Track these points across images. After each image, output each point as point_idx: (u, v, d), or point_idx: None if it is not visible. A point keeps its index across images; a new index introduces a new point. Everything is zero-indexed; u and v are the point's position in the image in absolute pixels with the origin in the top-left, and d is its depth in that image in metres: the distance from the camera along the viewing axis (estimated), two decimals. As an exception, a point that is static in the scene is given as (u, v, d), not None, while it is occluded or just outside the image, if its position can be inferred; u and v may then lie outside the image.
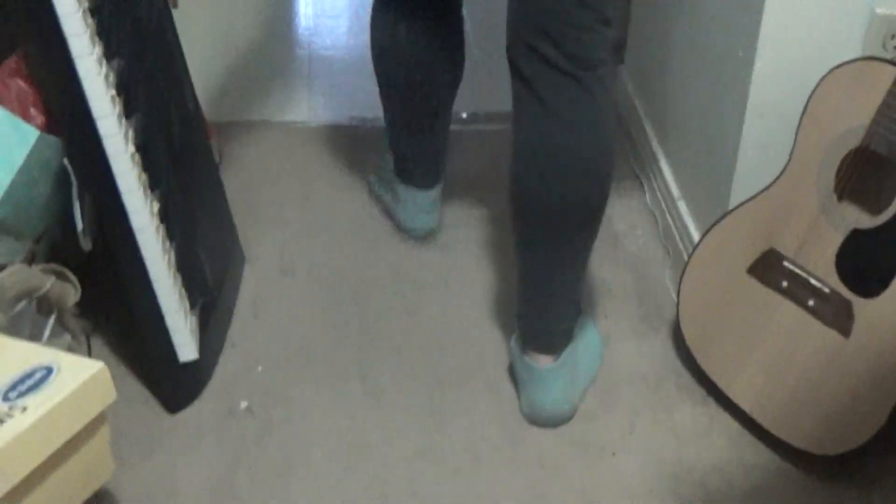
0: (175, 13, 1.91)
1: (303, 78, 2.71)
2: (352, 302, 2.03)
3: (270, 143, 2.46)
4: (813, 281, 1.61)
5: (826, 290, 1.59)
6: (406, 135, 2.09)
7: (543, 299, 1.73)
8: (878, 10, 1.63)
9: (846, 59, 1.58)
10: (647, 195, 2.27)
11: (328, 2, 3.11)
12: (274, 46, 2.83)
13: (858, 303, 1.55)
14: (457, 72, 2.00)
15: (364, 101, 2.52)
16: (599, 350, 1.90)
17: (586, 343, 1.86)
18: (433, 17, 1.90)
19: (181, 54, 1.92)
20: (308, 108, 2.59)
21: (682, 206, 2.07)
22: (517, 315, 1.77)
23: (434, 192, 2.15)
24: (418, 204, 2.15)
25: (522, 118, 1.59)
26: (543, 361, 1.75)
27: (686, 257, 1.89)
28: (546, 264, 1.68)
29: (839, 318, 1.57)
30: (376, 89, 2.07)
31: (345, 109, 2.58)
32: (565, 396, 1.76)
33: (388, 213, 2.24)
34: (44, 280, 1.58)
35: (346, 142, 2.47)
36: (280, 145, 2.46)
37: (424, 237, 2.20)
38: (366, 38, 1.99)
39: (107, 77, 1.53)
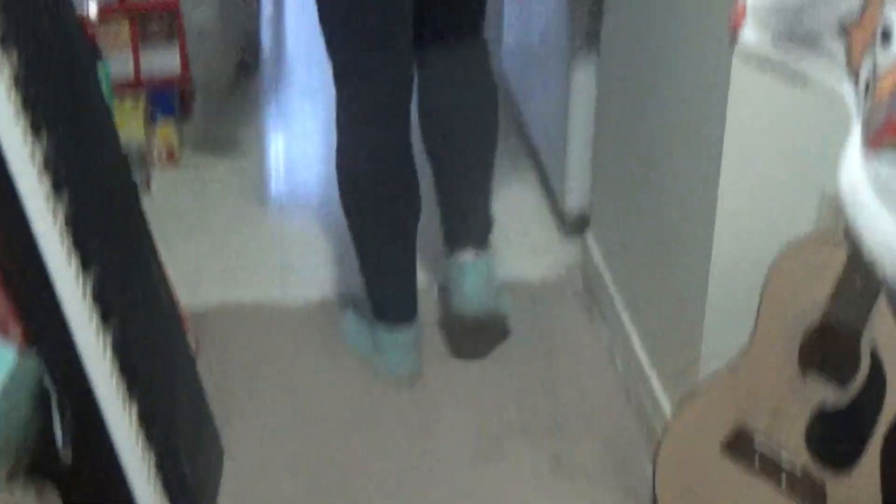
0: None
1: (276, 255, 2.76)
2: (337, 495, 2.03)
3: (247, 328, 2.49)
4: (784, 459, 1.63)
5: (797, 467, 1.61)
6: (382, 266, 2.27)
7: (464, 200, 2.34)
8: (828, 189, 1.69)
9: (801, 233, 1.64)
10: (620, 368, 2.31)
11: (299, 175, 3.20)
12: (246, 225, 2.88)
13: (831, 481, 1.57)
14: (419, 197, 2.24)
15: (340, 274, 2.59)
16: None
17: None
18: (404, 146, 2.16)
19: (154, 251, 1.96)
20: (283, 287, 2.63)
21: (654, 379, 2.10)
22: (443, 223, 2.34)
23: (415, 328, 2.29)
24: (400, 344, 2.28)
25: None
26: (467, 255, 2.31)
27: (660, 433, 1.92)
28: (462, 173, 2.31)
29: (812, 498, 1.59)
30: (352, 262, 2.16)
31: (320, 285, 2.62)
32: (488, 284, 2.33)
33: (370, 362, 2.34)
34: (25, 498, 1.58)
35: (323, 318, 2.50)
36: (257, 329, 2.49)
37: (411, 380, 2.28)
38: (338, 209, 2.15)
39: (84, 287, 1.57)
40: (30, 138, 1.47)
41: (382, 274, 2.27)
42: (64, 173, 1.54)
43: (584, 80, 2.55)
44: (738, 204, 1.73)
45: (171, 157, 3.08)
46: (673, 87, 1.94)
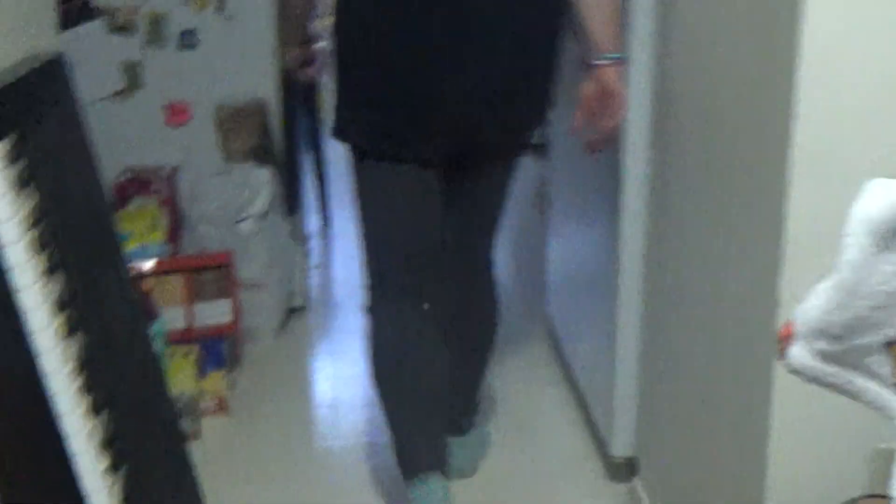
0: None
1: (324, 500, 2.77)
2: None
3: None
4: None
5: None
6: (415, 425, 2.47)
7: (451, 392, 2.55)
8: (880, 445, 1.69)
9: (852, 493, 1.63)
10: None
11: (346, 418, 3.22)
12: (295, 469, 2.89)
13: None
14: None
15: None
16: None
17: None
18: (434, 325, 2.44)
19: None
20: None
21: None
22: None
23: (445, 478, 2.44)
24: (435, 498, 2.39)
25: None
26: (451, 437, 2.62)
27: None
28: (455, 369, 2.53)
29: None
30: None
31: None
32: (472, 458, 2.78)
33: None
34: None
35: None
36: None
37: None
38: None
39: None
40: (91, 417, 1.52)
41: (417, 428, 2.48)
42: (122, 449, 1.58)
43: (630, 321, 2.58)
44: (791, 458, 1.73)
45: (221, 405, 3.13)
46: (720, 334, 1.98)
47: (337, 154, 4.02)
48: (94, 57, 3.34)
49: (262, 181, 3.41)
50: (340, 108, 2.27)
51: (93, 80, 3.32)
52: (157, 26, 3.38)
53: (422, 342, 2.42)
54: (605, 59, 2.17)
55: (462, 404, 2.72)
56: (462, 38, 2.13)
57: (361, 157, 2.29)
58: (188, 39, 3.40)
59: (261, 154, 3.47)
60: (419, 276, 2.39)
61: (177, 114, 3.47)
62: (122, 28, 3.39)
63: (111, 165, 3.25)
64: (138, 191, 3.40)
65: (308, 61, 2.62)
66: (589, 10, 2.15)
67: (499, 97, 2.21)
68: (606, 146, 2.33)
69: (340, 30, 2.22)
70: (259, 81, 3.44)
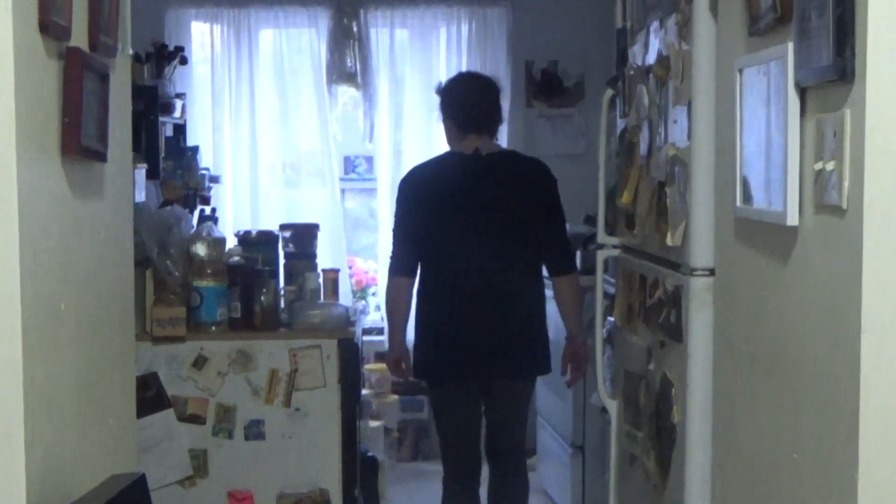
0: None
1: None
2: None
3: None
4: None
5: None
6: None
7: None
8: None
9: None
10: None
11: None
12: None
13: None
14: None
15: None
16: None
17: None
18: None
19: None
20: None
21: None
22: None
23: None
24: None
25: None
26: None
27: None
28: None
29: None
30: None
31: None
32: None
33: None
34: None
35: None
36: None
37: None
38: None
39: None
40: None
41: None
42: None
43: None
44: None
45: None
46: None
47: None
48: (163, 444, 3.47)
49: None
50: (418, 361, 3.68)
51: (162, 467, 3.43)
52: (225, 416, 3.52)
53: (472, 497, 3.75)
54: (573, 340, 3.76)
55: None
56: (482, 316, 3.57)
57: (431, 385, 3.74)
58: (255, 430, 3.52)
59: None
60: (472, 458, 3.72)
61: (240, 501, 3.54)
62: (193, 417, 3.53)
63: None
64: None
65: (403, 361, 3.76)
66: (563, 309, 3.75)
67: (506, 348, 3.60)
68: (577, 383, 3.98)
69: (417, 319, 3.67)
70: (322, 472, 3.53)
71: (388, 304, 3.78)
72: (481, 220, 3.56)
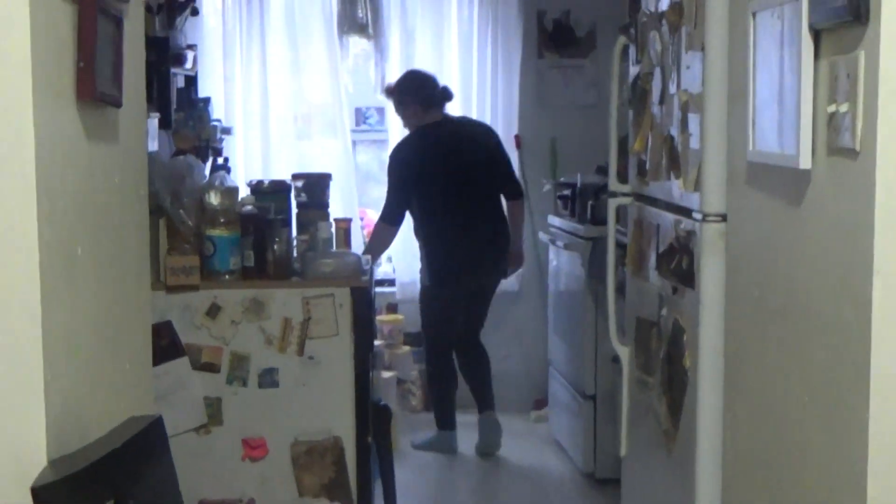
0: None
1: None
2: None
3: None
4: None
5: None
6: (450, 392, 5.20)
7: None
8: None
9: None
10: None
11: None
12: None
13: None
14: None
15: None
16: None
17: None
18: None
19: None
20: None
21: None
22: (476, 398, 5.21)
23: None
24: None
25: None
26: (491, 415, 5.15)
27: None
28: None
29: None
30: None
31: None
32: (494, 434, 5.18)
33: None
34: None
35: None
36: None
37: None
38: None
39: None
40: None
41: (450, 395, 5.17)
42: None
43: None
44: None
45: None
46: None
47: (408, 487, 4.09)
48: (178, 392, 3.50)
49: (334, 517, 3.46)
50: (436, 272, 5.00)
51: (176, 415, 3.45)
52: (239, 365, 3.55)
53: (450, 368, 5.19)
54: (514, 247, 5.16)
55: (481, 396, 5.17)
56: (470, 230, 4.94)
57: (444, 285, 5.01)
58: (269, 378, 3.55)
59: (334, 490, 3.54)
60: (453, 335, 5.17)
61: (254, 448, 3.58)
62: (207, 366, 3.55)
63: (187, 497, 3.32)
64: (212, 523, 3.46)
65: None
66: (511, 224, 5.11)
67: (487, 253, 5.02)
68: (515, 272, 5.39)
69: (427, 241, 5.03)
70: (335, 419, 3.56)
71: (375, 245, 4.98)
72: (461, 168, 4.93)
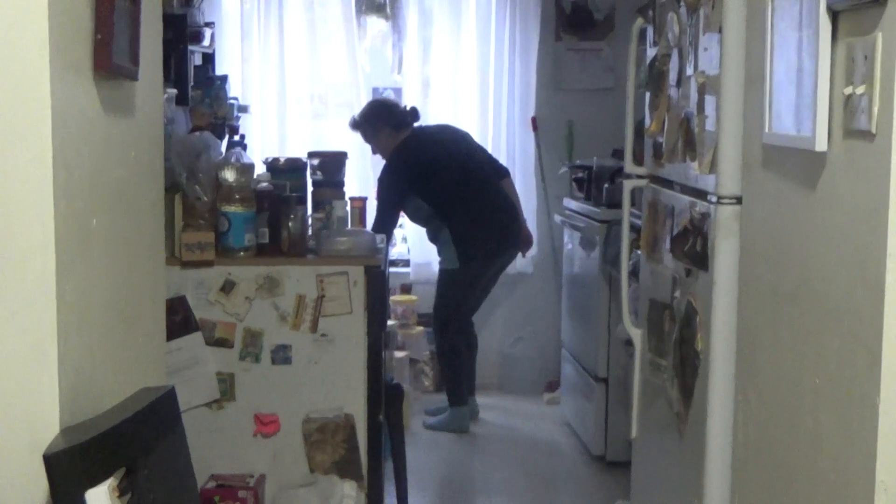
0: None
1: None
2: None
3: None
4: None
5: None
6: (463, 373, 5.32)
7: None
8: None
9: None
10: None
11: None
12: None
13: None
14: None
15: None
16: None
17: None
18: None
19: None
20: None
21: None
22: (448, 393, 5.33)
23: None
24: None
25: None
26: (473, 400, 5.44)
27: None
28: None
29: None
30: None
31: None
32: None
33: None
34: None
35: None
36: None
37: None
38: None
39: None
40: None
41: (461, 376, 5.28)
42: None
43: None
44: None
45: None
46: None
47: (418, 466, 4.10)
48: (191, 367, 3.51)
49: (345, 493, 3.47)
50: (468, 250, 5.11)
51: (189, 390, 3.47)
52: (252, 341, 3.56)
53: (464, 344, 5.34)
54: (523, 228, 5.38)
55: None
56: (495, 210, 5.16)
57: (479, 259, 5.15)
58: (282, 355, 3.56)
59: (345, 467, 3.56)
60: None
61: (266, 425, 3.59)
62: (220, 341, 3.57)
63: (198, 471, 3.34)
64: (224, 498, 3.47)
65: None
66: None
67: (511, 231, 5.24)
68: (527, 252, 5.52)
69: (456, 225, 5.11)
70: (347, 397, 3.57)
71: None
72: (463, 157, 5.17)
